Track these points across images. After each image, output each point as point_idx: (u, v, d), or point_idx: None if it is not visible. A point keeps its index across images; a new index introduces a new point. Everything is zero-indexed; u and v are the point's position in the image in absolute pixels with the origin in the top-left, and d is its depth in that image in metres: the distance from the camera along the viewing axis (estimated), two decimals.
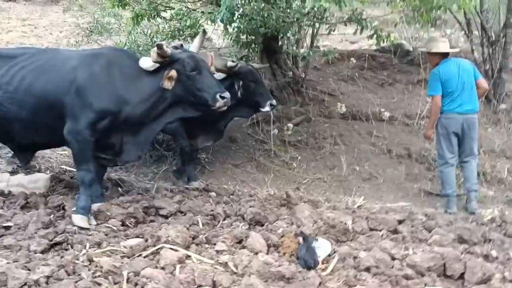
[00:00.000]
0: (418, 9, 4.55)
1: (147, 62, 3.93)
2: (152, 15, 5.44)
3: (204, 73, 3.93)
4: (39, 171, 5.27)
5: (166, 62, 3.85)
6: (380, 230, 4.01)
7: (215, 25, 4.93)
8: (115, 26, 7.75)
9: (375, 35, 4.88)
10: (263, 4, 4.37)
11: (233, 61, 4.94)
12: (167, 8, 5.51)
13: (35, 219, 3.73)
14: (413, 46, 8.28)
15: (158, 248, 3.33)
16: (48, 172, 5.28)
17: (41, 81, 3.94)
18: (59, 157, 5.96)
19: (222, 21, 4.47)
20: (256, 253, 3.40)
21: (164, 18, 5.91)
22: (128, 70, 3.99)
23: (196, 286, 2.87)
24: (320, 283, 3.01)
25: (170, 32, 6.00)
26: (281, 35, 5.56)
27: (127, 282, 2.91)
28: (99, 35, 8.03)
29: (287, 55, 6.33)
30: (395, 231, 4.00)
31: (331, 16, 5.33)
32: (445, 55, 5.05)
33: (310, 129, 6.49)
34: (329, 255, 3.44)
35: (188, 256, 3.28)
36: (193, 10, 5.27)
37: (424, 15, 4.65)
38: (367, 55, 8.12)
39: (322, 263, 3.35)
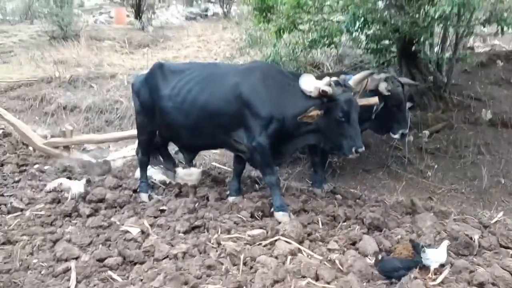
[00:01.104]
0: None
1: (308, 86, 4.09)
2: (291, 28, 5.88)
3: (352, 122, 4.03)
4: (194, 166, 6.21)
5: (324, 99, 4.02)
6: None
7: (345, 34, 5.09)
8: (264, 40, 8.47)
9: None
10: (385, 12, 4.36)
11: (386, 79, 4.80)
12: (303, 22, 5.88)
13: (182, 205, 4.54)
14: None
15: (275, 240, 3.75)
16: (201, 167, 6.19)
17: (205, 95, 4.47)
18: (212, 155, 6.86)
19: (348, 29, 4.63)
20: (366, 256, 3.56)
21: (302, 30, 6.32)
22: (282, 84, 4.33)
23: (300, 276, 3.18)
24: None
25: (308, 43, 6.37)
26: (418, 39, 5.38)
27: (244, 265, 3.40)
28: (250, 48, 8.88)
29: (428, 59, 6.06)
30: None
31: (467, 17, 4.90)
32: None
33: (451, 137, 6.10)
34: (443, 266, 3.38)
35: (300, 250, 3.60)
36: (327, 20, 5.51)
37: None
38: None
39: (434, 273, 3.33)
